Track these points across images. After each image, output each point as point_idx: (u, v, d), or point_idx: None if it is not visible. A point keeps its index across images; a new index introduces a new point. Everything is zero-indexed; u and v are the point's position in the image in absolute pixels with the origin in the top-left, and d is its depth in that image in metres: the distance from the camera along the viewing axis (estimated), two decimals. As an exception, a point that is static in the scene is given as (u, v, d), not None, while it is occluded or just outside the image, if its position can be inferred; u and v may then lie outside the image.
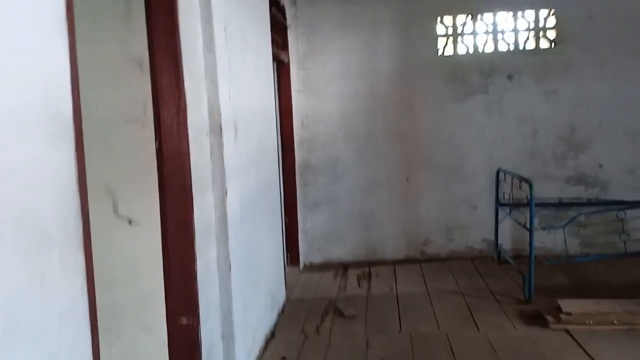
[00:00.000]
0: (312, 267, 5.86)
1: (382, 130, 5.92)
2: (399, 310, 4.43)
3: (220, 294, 2.89)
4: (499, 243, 5.66)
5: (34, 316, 1.31)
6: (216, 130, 2.90)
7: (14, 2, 1.31)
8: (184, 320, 2.54)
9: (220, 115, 2.91)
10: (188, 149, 2.58)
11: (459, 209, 5.93)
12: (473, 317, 4.20)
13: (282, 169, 5.56)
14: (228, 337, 2.91)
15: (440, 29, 5.85)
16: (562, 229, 5.15)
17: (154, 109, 2.56)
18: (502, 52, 5.82)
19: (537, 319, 4.03)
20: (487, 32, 5.84)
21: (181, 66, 2.56)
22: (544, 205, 5.64)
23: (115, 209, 2.90)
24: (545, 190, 5.58)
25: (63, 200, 1.44)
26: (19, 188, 1.27)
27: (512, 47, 5.81)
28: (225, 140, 2.94)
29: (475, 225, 5.91)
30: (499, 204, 5.61)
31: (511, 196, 5.22)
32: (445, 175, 5.90)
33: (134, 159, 2.84)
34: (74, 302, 1.48)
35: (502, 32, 5.81)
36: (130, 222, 2.91)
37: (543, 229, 5.45)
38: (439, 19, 5.84)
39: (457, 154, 5.88)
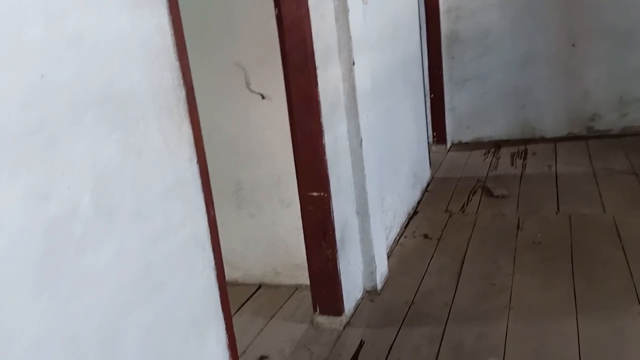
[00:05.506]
0: (460, 146, 5.55)
1: (542, -9, 5.15)
2: (557, 191, 4.03)
3: (353, 170, 2.81)
4: (686, 116, 4.83)
5: (135, 193, 1.29)
6: (340, -7, 2.67)
7: None
8: (314, 194, 2.52)
9: (343, -24, 2.66)
10: (308, 15, 2.41)
11: (636, 79, 5.09)
12: (647, 200, 3.69)
13: (427, 42, 5.18)
14: (363, 213, 2.86)
15: None
16: None
17: (269, -27, 2.39)
18: None
19: None
20: None
21: None
22: None
23: (247, 84, 2.89)
24: None
25: (156, 70, 1.37)
26: (97, 55, 1.20)
27: None
28: (350, 5, 2.70)
29: (656, 96, 5.07)
30: (688, 69, 4.72)
31: None
32: (620, 40, 5.02)
33: (261, 33, 2.76)
34: (181, 176, 1.45)
35: None
36: (263, 97, 2.89)
37: None
38: None
39: (635, 13, 4.95)
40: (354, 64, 2.72)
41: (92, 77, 1.19)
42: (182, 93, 1.46)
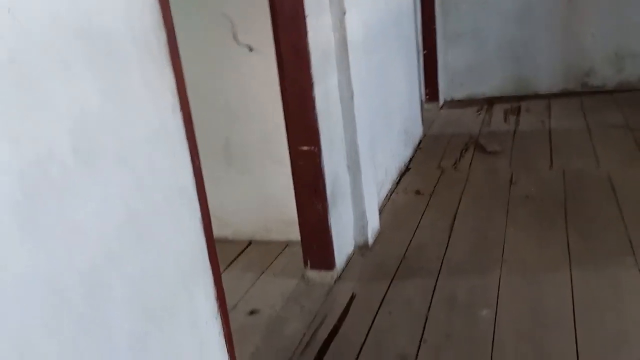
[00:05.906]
0: (453, 103, 5.48)
1: (540, -60, 5.01)
2: (551, 146, 4.00)
3: (344, 124, 2.75)
4: (681, 70, 4.77)
5: (116, 138, 1.22)
6: (331, -60, 2.56)
7: None
8: (304, 148, 2.47)
9: None
10: (298, -39, 2.31)
11: (633, 33, 5.00)
12: (642, 155, 3.65)
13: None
14: (354, 168, 2.81)
15: None
16: None
17: None
18: None
19: None
20: None
21: None
22: None
23: (234, 36, 2.80)
24: None
25: (138, 8, 1.29)
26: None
27: None
28: (342, -49, 2.59)
29: (652, 51, 5.00)
30: (686, 22, 4.64)
31: None
32: (619, -8, 4.94)
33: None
34: (164, 123, 1.38)
35: None
36: (250, 49, 2.80)
37: None
38: None
39: (635, -37, 4.84)
40: (345, 13, 2.63)
41: (70, 11, 1.11)
42: (162, 36, 1.38)
